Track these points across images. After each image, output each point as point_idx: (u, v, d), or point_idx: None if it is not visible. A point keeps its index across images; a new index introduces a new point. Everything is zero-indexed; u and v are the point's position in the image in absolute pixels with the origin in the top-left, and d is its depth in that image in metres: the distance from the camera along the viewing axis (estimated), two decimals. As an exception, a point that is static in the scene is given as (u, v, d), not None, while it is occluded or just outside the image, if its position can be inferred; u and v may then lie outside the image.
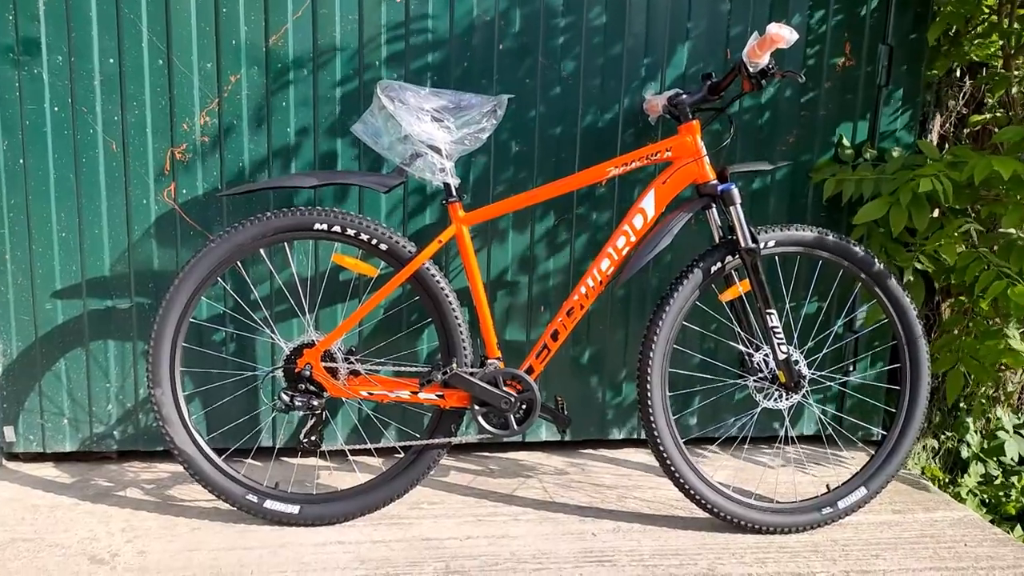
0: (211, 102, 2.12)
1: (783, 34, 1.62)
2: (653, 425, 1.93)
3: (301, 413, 1.90)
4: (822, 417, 2.37)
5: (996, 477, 2.60)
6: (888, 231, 2.19)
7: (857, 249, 1.99)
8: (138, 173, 2.13)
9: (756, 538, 1.97)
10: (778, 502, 2.03)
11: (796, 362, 1.97)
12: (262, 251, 2.05)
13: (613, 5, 2.20)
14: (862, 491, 2.02)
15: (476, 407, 1.93)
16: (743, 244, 1.90)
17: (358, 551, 1.85)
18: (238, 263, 1.99)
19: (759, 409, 2.06)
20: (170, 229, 2.17)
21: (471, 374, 1.91)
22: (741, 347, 2.01)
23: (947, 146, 2.55)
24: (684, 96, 1.92)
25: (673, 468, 1.94)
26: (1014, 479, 2.55)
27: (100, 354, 2.21)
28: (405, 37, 2.15)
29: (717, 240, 1.97)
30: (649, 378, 1.91)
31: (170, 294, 1.89)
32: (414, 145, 1.87)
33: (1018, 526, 2.34)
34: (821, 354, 2.29)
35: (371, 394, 1.93)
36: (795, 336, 2.19)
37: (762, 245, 1.92)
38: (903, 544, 1.97)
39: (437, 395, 1.93)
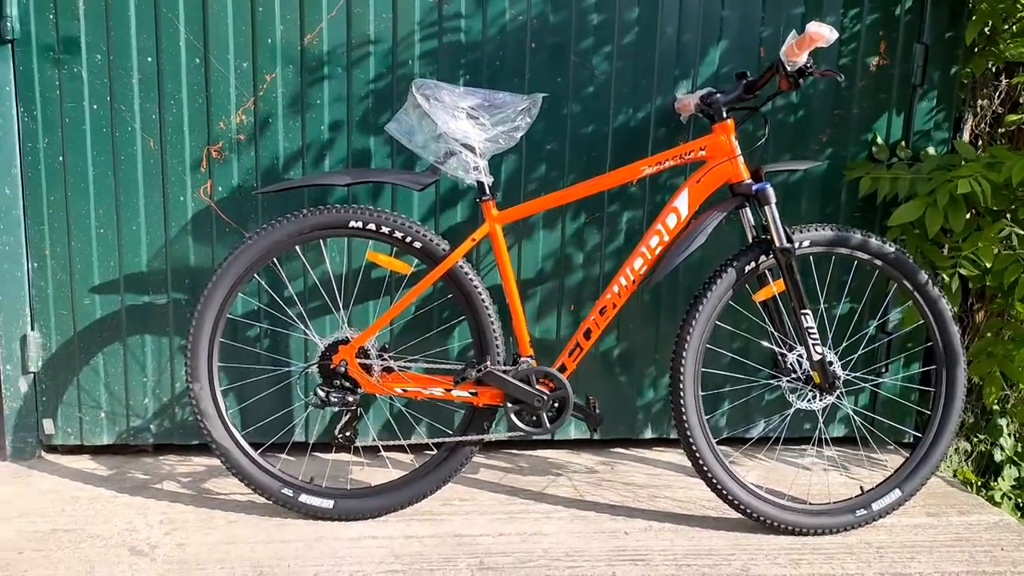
0: (247, 101, 2.14)
1: (823, 32, 1.61)
2: (686, 425, 1.93)
3: (336, 409, 1.92)
4: (855, 418, 2.35)
5: (1031, 481, 2.57)
6: (924, 232, 2.17)
7: (892, 250, 1.97)
8: (175, 170, 2.16)
9: (790, 539, 1.96)
10: (812, 504, 2.02)
11: (831, 363, 1.96)
12: (297, 248, 2.07)
13: (646, 3, 2.20)
14: (896, 493, 2.01)
15: (509, 405, 1.94)
16: (778, 244, 1.89)
17: (392, 546, 1.87)
18: (273, 260, 2.01)
19: (792, 410, 2.05)
20: (206, 226, 2.19)
21: (505, 372, 1.92)
22: (775, 347, 2.00)
23: (981, 145, 2.52)
24: (718, 95, 1.91)
25: (706, 468, 1.94)
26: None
27: (137, 349, 2.24)
28: (438, 35, 2.16)
29: (750, 239, 1.96)
30: (682, 378, 1.91)
31: (208, 290, 1.91)
32: (448, 143, 1.88)
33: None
34: (856, 355, 2.27)
35: (405, 391, 1.95)
36: (829, 337, 2.18)
37: (797, 245, 1.91)
38: (938, 547, 1.96)
39: (470, 392, 1.94)
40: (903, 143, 2.34)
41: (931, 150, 2.31)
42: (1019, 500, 2.51)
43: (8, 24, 2.03)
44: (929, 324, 2.01)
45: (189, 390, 1.93)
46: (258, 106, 2.15)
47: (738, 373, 2.35)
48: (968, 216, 2.22)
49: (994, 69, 2.48)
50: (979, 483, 2.57)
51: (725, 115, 1.91)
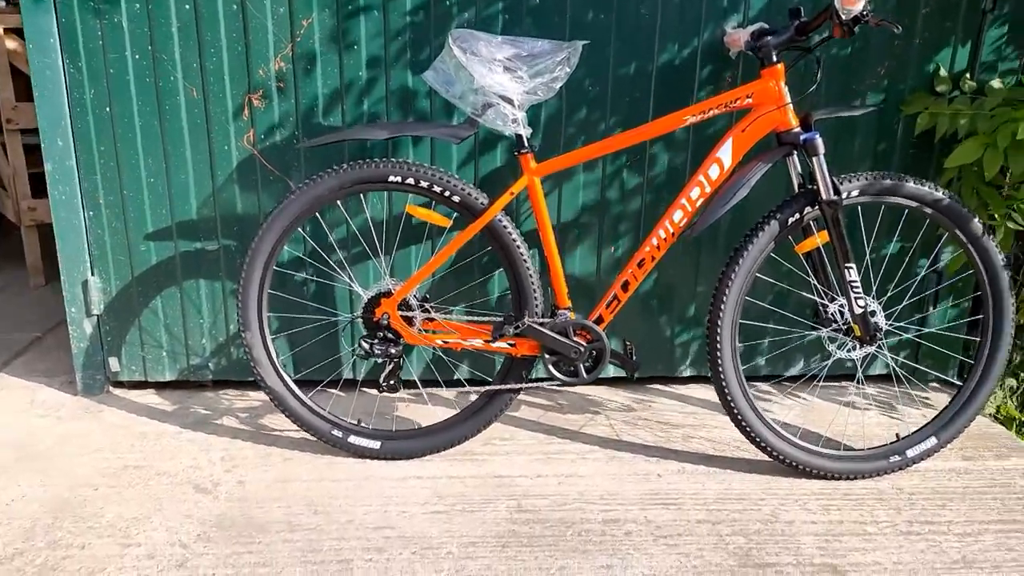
0: (285, 47, 2.13)
1: (878, -15, 1.52)
2: (723, 379, 1.95)
3: (380, 360, 1.99)
4: (894, 367, 2.34)
5: (1077, 418, 2.54)
6: (981, 173, 2.08)
7: (945, 198, 1.90)
8: (219, 119, 2.18)
9: (821, 484, 2.01)
10: (846, 448, 2.06)
11: (873, 313, 1.94)
12: (338, 201, 2.09)
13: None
14: (932, 441, 2.02)
15: (547, 356, 1.98)
16: (825, 196, 1.84)
17: (435, 486, 1.98)
18: (316, 213, 2.04)
19: (832, 360, 2.05)
20: (251, 174, 2.23)
21: (542, 324, 1.96)
22: (816, 298, 1.98)
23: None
24: (769, 37, 1.83)
25: (745, 423, 1.97)
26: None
27: (192, 292, 2.34)
28: (476, -27, 2.09)
29: (796, 189, 1.92)
30: (719, 331, 1.92)
31: (255, 244, 1.97)
32: (486, 95, 1.85)
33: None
34: (901, 305, 2.24)
35: (446, 342, 2.00)
36: (874, 284, 2.15)
37: (845, 196, 1.86)
38: (971, 494, 1.98)
39: (509, 344, 1.99)
40: (968, 75, 2.22)
41: (995, 83, 2.18)
42: (1063, 438, 2.50)
43: (47, -25, 2.04)
44: (979, 273, 1.97)
45: (242, 338, 2.02)
46: (295, 52, 2.14)
47: (779, 313, 2.35)
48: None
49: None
50: (1022, 419, 2.56)
51: (775, 59, 1.84)
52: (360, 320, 2.01)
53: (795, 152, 1.88)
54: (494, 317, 2.07)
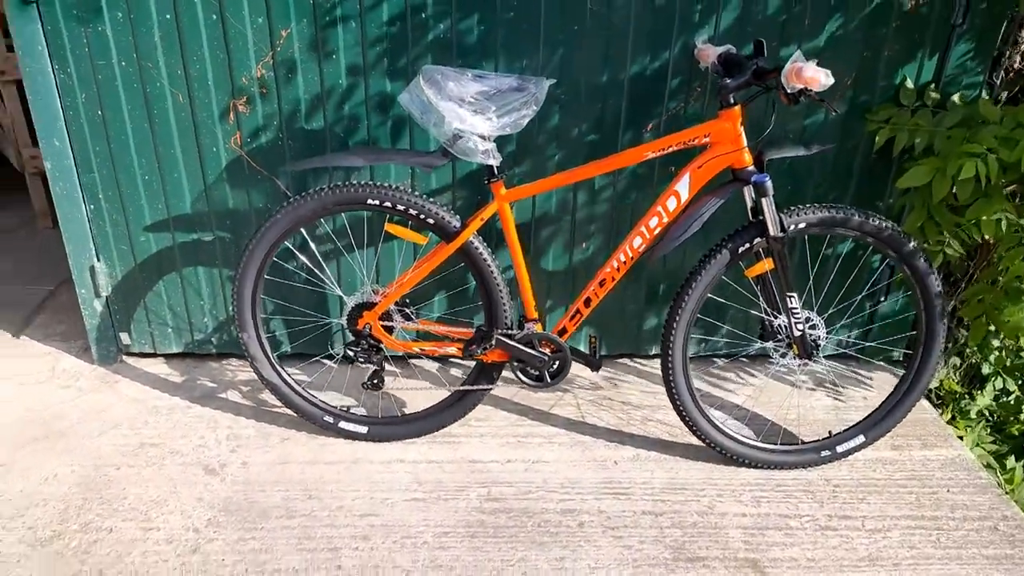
0: (266, 55, 2.19)
1: (819, 79, 1.59)
2: (675, 392, 2.15)
3: (363, 364, 2.20)
4: (828, 368, 2.54)
5: (1012, 393, 2.75)
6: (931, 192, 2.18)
7: (885, 226, 2.02)
8: (205, 123, 2.27)
9: (757, 473, 2.26)
10: (783, 441, 2.29)
11: (814, 327, 2.11)
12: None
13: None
14: (860, 439, 2.26)
15: (515, 363, 2.19)
16: (772, 232, 1.97)
17: (416, 472, 2.24)
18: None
19: (776, 367, 2.24)
20: (240, 173, 2.35)
21: (510, 337, 2.14)
22: (763, 316, 2.15)
23: (1017, 88, 2.38)
24: (728, 80, 1.89)
25: (699, 431, 2.20)
26: (1026, 402, 2.71)
27: (192, 277, 2.52)
28: (452, -17, 2.11)
29: (750, 216, 2.04)
30: (671, 350, 2.10)
31: (245, 258, 2.13)
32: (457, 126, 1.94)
33: (1012, 458, 2.53)
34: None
35: (423, 350, 2.20)
36: (815, 305, 2.30)
37: (790, 229, 1.99)
38: (891, 487, 2.23)
39: (481, 352, 2.19)
40: (933, 86, 2.26)
41: (956, 99, 2.23)
42: (998, 416, 2.72)
43: (29, -13, 2.08)
44: (915, 296, 2.12)
45: (239, 338, 2.22)
46: (276, 61, 2.19)
47: (734, 300, 2.52)
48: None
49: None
50: (962, 393, 2.78)
51: (733, 102, 1.91)
52: (345, 323, 2.20)
53: (749, 185, 1.99)
54: (469, 324, 2.25)
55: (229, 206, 2.40)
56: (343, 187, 2.05)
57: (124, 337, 2.62)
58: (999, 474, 2.44)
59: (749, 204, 2.02)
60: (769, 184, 1.93)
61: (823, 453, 2.26)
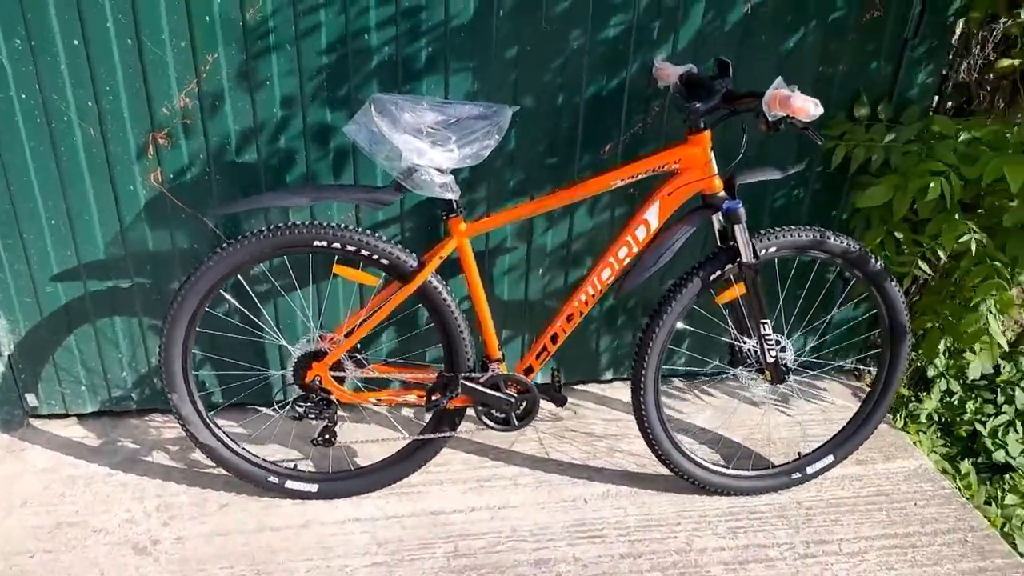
0: (189, 83, 1.97)
1: (807, 109, 1.53)
2: (647, 425, 2.07)
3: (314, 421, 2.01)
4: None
5: (956, 393, 2.79)
6: (890, 210, 2.18)
7: (853, 248, 2.00)
8: (121, 159, 2.04)
9: (730, 501, 2.20)
10: (753, 467, 2.24)
11: (784, 349, 2.07)
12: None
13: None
14: (830, 458, 2.23)
15: (480, 407, 2.05)
16: (744, 259, 1.91)
17: (374, 531, 2.06)
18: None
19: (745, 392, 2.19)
20: (161, 212, 2.12)
21: (474, 380, 2.00)
22: (731, 341, 2.09)
23: (972, 95, 2.42)
24: (698, 104, 1.81)
25: (672, 464, 2.12)
26: (969, 403, 2.76)
27: (108, 329, 2.26)
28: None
29: (719, 241, 1.97)
30: (643, 384, 2.02)
31: (174, 311, 1.90)
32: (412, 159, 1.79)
33: (965, 461, 2.57)
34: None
35: (379, 400, 2.03)
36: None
37: (763, 255, 1.94)
38: (860, 505, 2.21)
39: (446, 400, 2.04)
40: (887, 99, 2.27)
41: (912, 111, 2.25)
42: (943, 416, 2.75)
43: (-97, 10, 1.80)
44: (881, 314, 2.11)
45: (168, 399, 1.99)
46: (202, 88, 1.98)
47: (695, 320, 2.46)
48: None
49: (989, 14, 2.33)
50: (910, 396, 2.80)
51: (702, 126, 1.84)
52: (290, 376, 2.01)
53: (719, 211, 1.92)
54: (427, 366, 2.10)
55: (149, 248, 2.16)
56: (286, 228, 1.86)
57: (31, 399, 2.33)
58: (957, 480, 2.46)
59: (717, 227, 1.96)
60: (742, 211, 1.87)
61: (794, 476, 2.22)
